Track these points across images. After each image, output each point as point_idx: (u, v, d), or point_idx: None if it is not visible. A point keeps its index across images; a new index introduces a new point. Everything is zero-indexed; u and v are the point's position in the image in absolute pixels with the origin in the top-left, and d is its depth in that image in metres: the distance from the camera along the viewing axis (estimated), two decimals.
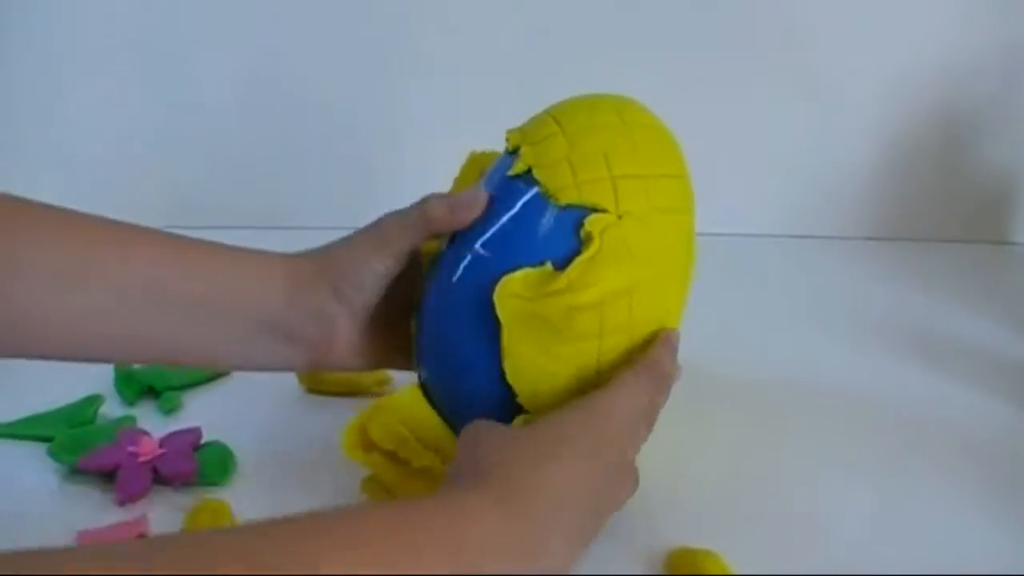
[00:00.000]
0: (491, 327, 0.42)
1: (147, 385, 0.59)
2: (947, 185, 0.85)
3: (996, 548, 0.45)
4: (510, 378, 0.43)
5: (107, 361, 0.48)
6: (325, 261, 0.45)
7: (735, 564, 0.43)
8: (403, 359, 0.47)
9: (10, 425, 0.55)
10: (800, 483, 0.50)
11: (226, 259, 0.45)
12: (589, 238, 0.42)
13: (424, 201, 0.44)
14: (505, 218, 0.43)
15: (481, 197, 0.43)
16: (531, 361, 0.43)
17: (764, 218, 0.87)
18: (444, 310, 0.44)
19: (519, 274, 0.42)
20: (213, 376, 0.61)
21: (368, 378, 0.59)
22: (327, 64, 0.84)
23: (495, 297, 0.42)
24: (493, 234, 0.43)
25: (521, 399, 0.43)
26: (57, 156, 0.87)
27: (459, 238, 0.44)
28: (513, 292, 0.42)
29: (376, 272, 0.44)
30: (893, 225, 0.86)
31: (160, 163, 0.89)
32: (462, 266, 0.43)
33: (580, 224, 0.42)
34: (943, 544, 0.46)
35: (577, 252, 0.42)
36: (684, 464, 0.52)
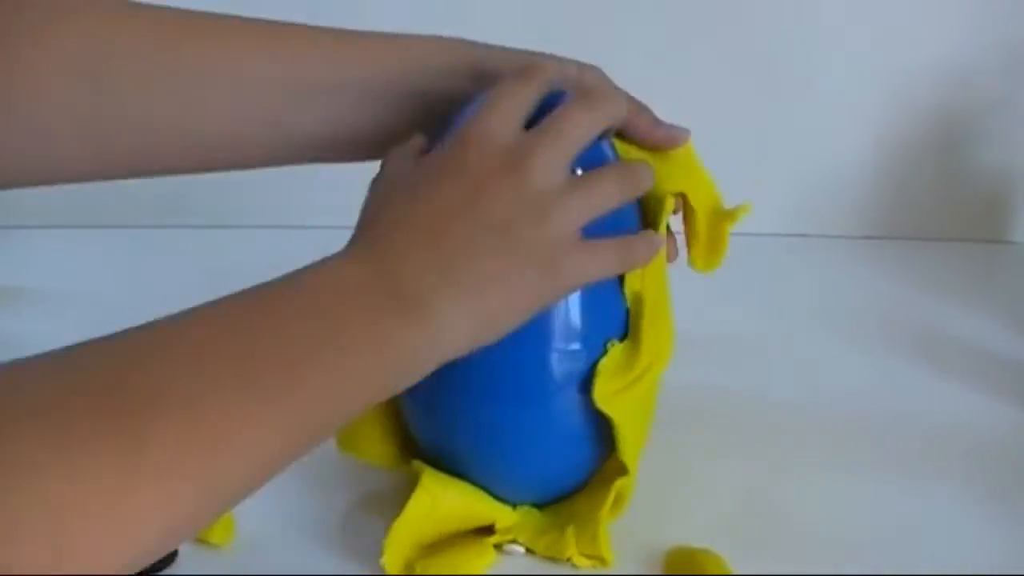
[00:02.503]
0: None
1: None
2: (947, 185, 0.84)
3: (997, 548, 0.45)
4: (624, 456, 0.43)
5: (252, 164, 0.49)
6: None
7: (735, 564, 0.43)
8: None
9: None
10: (800, 482, 0.50)
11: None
12: (639, 300, 0.43)
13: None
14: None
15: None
16: (638, 432, 0.44)
17: (763, 217, 0.86)
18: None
19: (604, 370, 0.42)
20: None
21: None
22: None
23: (600, 403, 0.41)
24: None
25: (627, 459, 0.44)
26: None
27: None
28: (612, 390, 0.42)
29: None
30: (893, 224, 0.86)
31: None
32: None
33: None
34: (944, 544, 0.46)
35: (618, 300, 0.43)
36: (683, 463, 0.52)
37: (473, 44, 0.46)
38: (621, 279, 0.43)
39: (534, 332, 0.39)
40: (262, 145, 0.46)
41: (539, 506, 0.46)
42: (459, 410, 0.43)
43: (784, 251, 0.84)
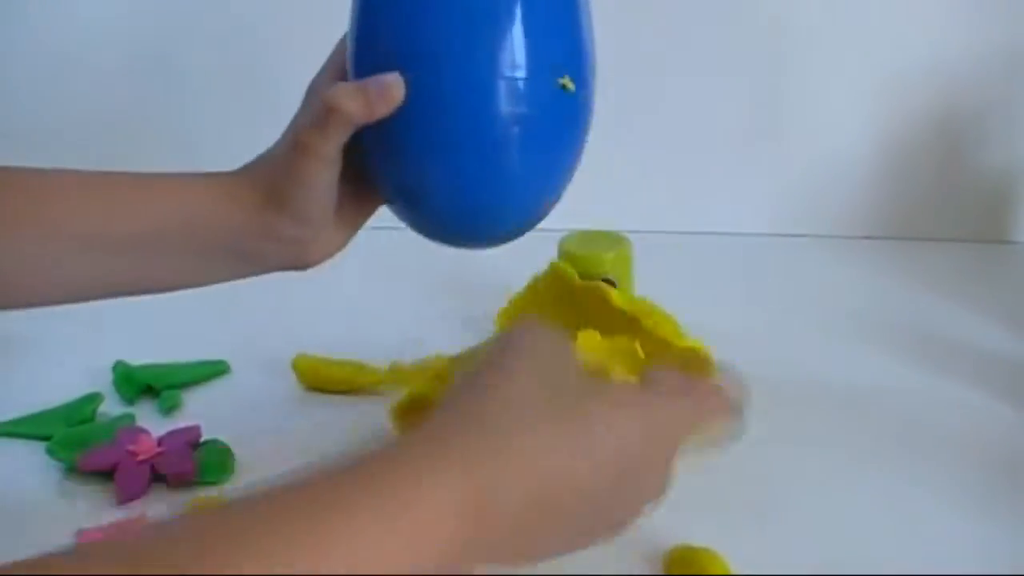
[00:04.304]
0: None
1: (146, 384, 0.59)
2: (947, 185, 0.84)
3: (995, 548, 0.46)
4: None
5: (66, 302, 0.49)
6: (260, 183, 0.44)
7: (735, 564, 0.43)
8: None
9: (9, 423, 0.55)
10: (799, 482, 0.50)
11: (166, 192, 0.46)
12: None
13: (330, 97, 0.42)
14: None
15: (396, 82, 0.41)
16: None
17: (762, 217, 0.87)
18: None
19: None
20: (213, 374, 0.61)
21: (367, 377, 0.59)
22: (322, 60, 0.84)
23: None
24: None
25: None
26: (52, 156, 0.87)
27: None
28: None
29: (313, 184, 0.43)
30: (892, 225, 0.86)
31: (159, 164, 0.89)
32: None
33: None
34: (942, 544, 0.46)
35: None
36: (683, 463, 0.51)
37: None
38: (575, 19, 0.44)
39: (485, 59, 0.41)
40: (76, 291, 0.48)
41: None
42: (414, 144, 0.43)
43: (784, 251, 0.84)
